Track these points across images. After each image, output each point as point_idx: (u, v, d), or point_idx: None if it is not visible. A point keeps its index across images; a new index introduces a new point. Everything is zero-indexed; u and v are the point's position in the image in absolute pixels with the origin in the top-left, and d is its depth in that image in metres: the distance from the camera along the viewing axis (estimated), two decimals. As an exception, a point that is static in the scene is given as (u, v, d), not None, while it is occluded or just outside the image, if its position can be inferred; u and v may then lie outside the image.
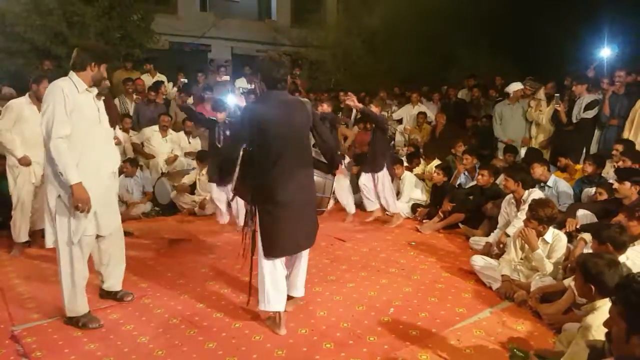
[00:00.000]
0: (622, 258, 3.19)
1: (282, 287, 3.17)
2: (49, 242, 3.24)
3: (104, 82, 3.38)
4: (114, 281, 3.66)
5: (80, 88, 3.15)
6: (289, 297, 3.33)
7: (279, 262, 3.16)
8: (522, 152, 6.86)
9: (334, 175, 3.47)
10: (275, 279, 3.13)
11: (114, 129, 5.40)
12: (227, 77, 9.82)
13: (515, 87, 7.30)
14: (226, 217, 5.63)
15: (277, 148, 3.00)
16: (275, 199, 3.03)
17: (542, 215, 3.79)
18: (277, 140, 3.00)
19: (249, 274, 3.45)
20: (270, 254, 3.09)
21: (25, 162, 4.67)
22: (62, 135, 3.00)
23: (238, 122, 3.55)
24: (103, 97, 5.37)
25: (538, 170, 5.26)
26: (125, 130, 7.07)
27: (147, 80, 8.73)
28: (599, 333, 2.27)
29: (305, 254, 3.39)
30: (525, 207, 4.41)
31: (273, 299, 3.12)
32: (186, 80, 9.08)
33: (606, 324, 1.84)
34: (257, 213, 3.15)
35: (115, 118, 5.27)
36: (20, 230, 4.77)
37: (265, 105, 3.09)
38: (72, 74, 3.19)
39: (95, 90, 3.28)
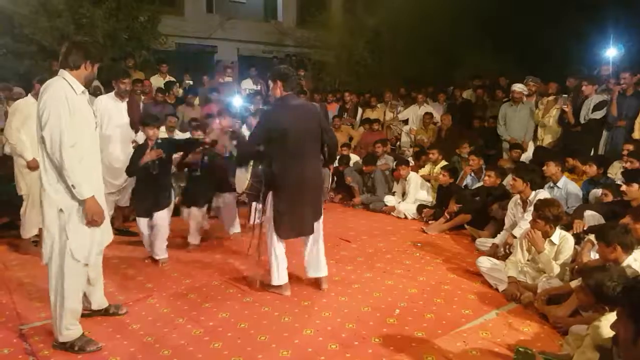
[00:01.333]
0: (629, 260, 3.17)
1: (286, 263, 3.84)
2: (45, 259, 2.91)
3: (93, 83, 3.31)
4: (101, 295, 3.40)
5: (78, 89, 2.86)
6: (316, 279, 3.96)
7: (283, 244, 3.81)
8: (525, 154, 6.85)
9: (330, 169, 3.99)
10: (283, 257, 3.81)
11: (135, 132, 5.47)
12: (229, 78, 9.83)
13: (514, 87, 7.25)
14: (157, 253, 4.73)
15: (294, 144, 3.59)
16: (291, 185, 3.64)
17: (548, 215, 3.77)
18: (294, 138, 3.58)
19: (256, 256, 3.95)
20: (283, 236, 3.74)
21: (34, 165, 4.70)
22: (72, 144, 2.74)
23: (259, 125, 3.77)
24: (127, 99, 5.43)
25: (552, 168, 5.20)
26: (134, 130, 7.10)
27: (158, 81, 8.76)
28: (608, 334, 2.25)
29: (320, 238, 3.90)
30: (531, 208, 4.39)
31: (282, 274, 3.80)
32: (191, 82, 9.12)
33: (613, 326, 1.82)
34: (269, 203, 3.71)
35: (137, 121, 5.28)
36: (29, 226, 4.77)
37: (284, 109, 3.67)
38: (64, 73, 2.86)
39: (87, 92, 3.00)
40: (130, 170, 4.63)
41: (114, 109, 5.28)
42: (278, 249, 3.79)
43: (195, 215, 4.99)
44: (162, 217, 4.53)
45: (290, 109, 3.67)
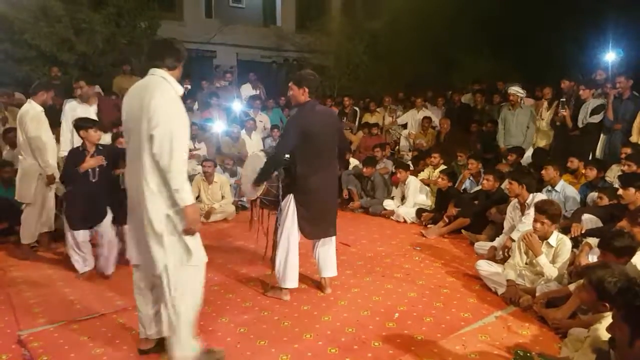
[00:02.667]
0: (635, 259, 3.18)
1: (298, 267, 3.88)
2: (159, 268, 2.64)
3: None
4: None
5: (179, 91, 2.72)
6: (320, 283, 4.05)
7: (297, 248, 3.84)
8: (523, 158, 6.87)
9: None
10: (296, 261, 3.83)
11: (104, 132, 5.48)
12: (225, 83, 9.85)
13: (509, 90, 7.26)
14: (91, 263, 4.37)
15: (320, 148, 3.71)
16: (318, 188, 3.74)
17: (552, 212, 3.78)
18: (321, 142, 3.70)
19: (267, 265, 4.07)
20: (311, 236, 3.87)
21: (51, 180, 4.74)
22: (185, 150, 2.63)
23: (289, 132, 3.78)
24: (95, 102, 5.46)
25: (551, 172, 5.23)
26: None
27: None
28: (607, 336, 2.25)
29: (334, 238, 4.01)
30: (530, 211, 4.41)
31: (295, 277, 3.83)
32: (189, 87, 9.13)
33: (610, 329, 1.83)
34: (290, 206, 3.75)
35: (108, 123, 5.26)
36: (28, 232, 4.79)
37: (312, 114, 3.72)
38: (163, 73, 2.69)
39: None
40: (66, 178, 4.24)
41: (81, 113, 5.15)
42: (293, 252, 3.80)
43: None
44: (108, 228, 4.25)
45: (316, 114, 3.74)
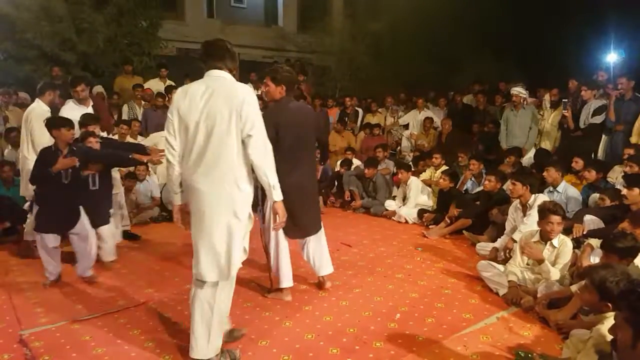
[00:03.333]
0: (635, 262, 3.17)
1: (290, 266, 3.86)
2: (233, 271, 2.73)
3: None
4: None
5: None
6: (320, 281, 4.04)
7: (287, 248, 3.83)
8: (525, 158, 6.85)
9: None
10: (288, 260, 3.80)
11: (108, 134, 5.46)
12: None
13: (512, 91, 7.25)
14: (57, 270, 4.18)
15: (293, 146, 3.61)
16: (289, 187, 3.29)
17: (562, 213, 3.79)
18: (294, 138, 3.61)
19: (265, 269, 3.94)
20: (291, 235, 3.76)
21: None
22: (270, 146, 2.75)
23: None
24: (91, 103, 5.44)
25: (553, 173, 5.22)
26: (133, 135, 7.15)
27: (159, 86, 8.78)
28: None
29: (323, 236, 3.96)
30: (532, 212, 4.41)
31: (290, 275, 3.81)
32: None
33: (611, 330, 1.82)
34: (268, 207, 3.58)
35: (106, 124, 5.21)
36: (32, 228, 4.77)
37: (285, 111, 3.65)
38: (229, 75, 2.80)
39: None
40: (36, 179, 4.02)
41: (78, 116, 5.06)
42: (284, 252, 3.79)
43: (105, 235, 4.51)
44: (85, 230, 4.10)
45: (290, 110, 3.68)
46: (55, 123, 4.05)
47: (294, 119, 3.65)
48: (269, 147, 2.74)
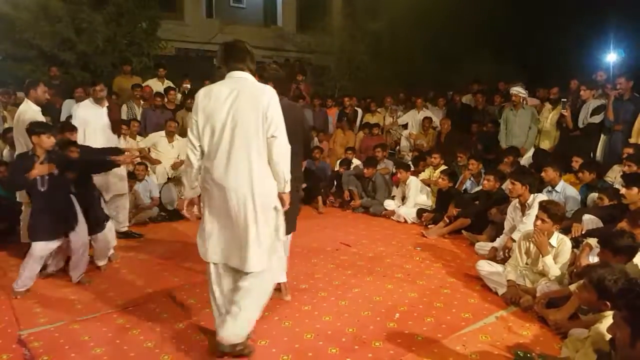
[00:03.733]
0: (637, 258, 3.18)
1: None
2: (259, 266, 2.84)
3: None
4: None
5: None
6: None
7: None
8: (524, 158, 6.85)
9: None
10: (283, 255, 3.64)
11: (118, 136, 5.42)
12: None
13: (511, 91, 7.26)
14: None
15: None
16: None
17: (555, 212, 3.78)
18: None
19: None
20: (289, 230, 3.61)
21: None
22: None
23: None
24: (106, 104, 5.41)
25: (551, 173, 5.22)
26: (132, 134, 7.14)
27: (157, 86, 8.78)
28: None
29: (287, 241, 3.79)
30: (531, 211, 4.42)
31: (282, 271, 3.66)
32: (189, 86, 9.13)
33: (610, 330, 1.82)
34: None
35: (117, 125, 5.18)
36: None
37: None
38: (251, 76, 2.88)
39: None
40: (12, 185, 3.93)
41: (92, 115, 5.18)
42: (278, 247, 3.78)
43: (100, 240, 4.44)
44: (77, 239, 4.01)
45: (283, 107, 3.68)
46: (35, 130, 3.87)
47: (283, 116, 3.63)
48: (289, 147, 2.85)
